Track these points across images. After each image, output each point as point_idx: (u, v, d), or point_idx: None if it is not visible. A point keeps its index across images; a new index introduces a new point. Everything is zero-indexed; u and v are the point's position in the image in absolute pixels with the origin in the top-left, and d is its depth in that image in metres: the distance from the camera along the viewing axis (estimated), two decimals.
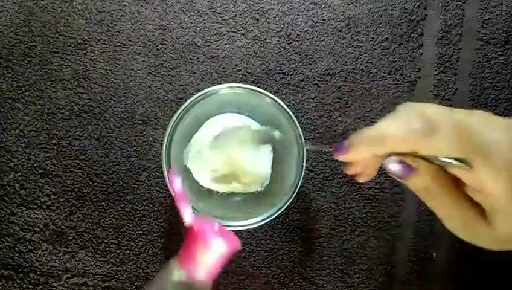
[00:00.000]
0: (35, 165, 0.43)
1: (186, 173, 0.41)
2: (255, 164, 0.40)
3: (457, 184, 0.26)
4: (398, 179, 0.26)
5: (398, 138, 0.24)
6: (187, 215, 0.29)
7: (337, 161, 0.30)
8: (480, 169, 0.23)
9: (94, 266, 0.43)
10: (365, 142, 0.26)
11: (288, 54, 0.44)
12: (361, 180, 0.30)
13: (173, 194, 0.29)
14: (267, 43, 0.44)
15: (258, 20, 0.44)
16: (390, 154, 0.25)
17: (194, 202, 0.37)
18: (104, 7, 0.44)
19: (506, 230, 0.25)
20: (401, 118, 0.25)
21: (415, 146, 0.24)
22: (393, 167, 0.25)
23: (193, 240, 0.29)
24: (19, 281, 0.43)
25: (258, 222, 0.37)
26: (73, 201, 0.43)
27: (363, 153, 0.26)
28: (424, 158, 0.25)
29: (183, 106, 0.36)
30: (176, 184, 0.29)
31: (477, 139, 0.23)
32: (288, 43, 0.44)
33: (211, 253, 0.29)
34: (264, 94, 0.37)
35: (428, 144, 0.24)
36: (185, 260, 0.29)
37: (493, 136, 0.23)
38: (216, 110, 0.41)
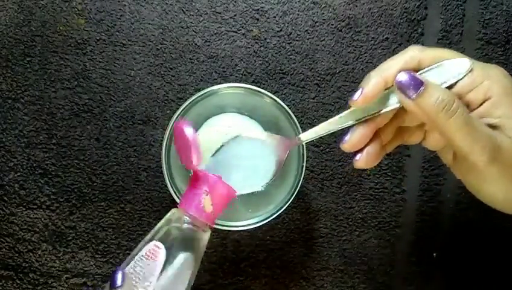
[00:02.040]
0: (34, 165, 0.43)
1: (186, 173, 0.41)
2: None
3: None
4: (407, 99, 0.26)
5: (401, 55, 0.27)
6: (195, 158, 0.30)
7: (342, 149, 0.30)
8: (478, 71, 0.27)
9: (94, 266, 0.43)
10: (373, 72, 0.28)
11: (289, 53, 0.44)
12: (362, 162, 0.30)
13: (187, 138, 0.29)
14: (267, 42, 0.44)
15: (258, 19, 0.44)
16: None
17: None
18: (103, 7, 0.44)
19: None
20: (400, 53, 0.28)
21: (419, 55, 0.27)
22: (403, 77, 0.26)
23: (197, 185, 0.30)
24: (18, 282, 0.43)
25: (258, 222, 0.36)
26: (73, 201, 0.43)
27: (375, 81, 0.27)
28: None
29: (183, 106, 0.36)
30: (188, 130, 0.30)
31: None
32: (288, 43, 0.44)
33: (213, 197, 0.30)
34: (264, 94, 0.37)
35: (430, 51, 0.27)
36: (188, 206, 0.30)
37: None
38: (216, 110, 0.41)
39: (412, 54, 0.27)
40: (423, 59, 0.27)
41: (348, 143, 0.29)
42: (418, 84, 0.25)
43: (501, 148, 0.25)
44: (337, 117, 0.30)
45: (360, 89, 0.28)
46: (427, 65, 0.27)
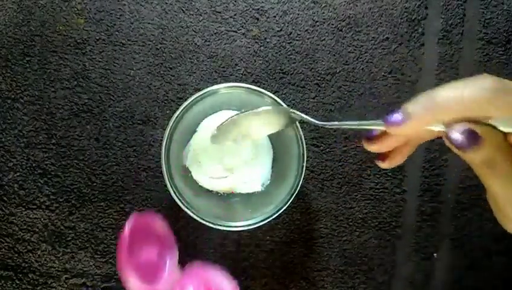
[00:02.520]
0: (34, 165, 0.43)
1: (186, 173, 0.40)
2: (255, 164, 0.40)
3: None
4: (458, 151, 0.22)
5: (467, 97, 0.21)
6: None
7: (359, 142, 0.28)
8: None
9: (93, 266, 0.43)
10: (426, 108, 0.23)
11: (289, 53, 0.44)
12: (386, 164, 0.28)
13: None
14: (267, 42, 0.44)
15: (258, 19, 0.44)
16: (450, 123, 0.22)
17: (194, 203, 0.37)
18: (103, 6, 0.44)
19: None
20: (465, 80, 0.22)
21: (487, 104, 0.21)
22: (457, 136, 0.22)
23: None
24: (18, 282, 0.43)
25: (258, 222, 0.36)
26: (73, 201, 0.43)
27: (423, 121, 0.23)
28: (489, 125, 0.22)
29: (182, 106, 0.36)
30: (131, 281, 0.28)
31: None
32: (288, 43, 0.44)
33: None
34: (264, 94, 0.37)
35: (502, 100, 0.21)
36: None
37: None
38: (216, 110, 0.41)
39: (482, 102, 0.21)
40: (492, 112, 0.22)
41: (377, 146, 0.26)
42: (474, 141, 0.22)
43: None
44: (369, 121, 0.26)
45: (401, 115, 0.23)
46: (493, 114, 0.22)
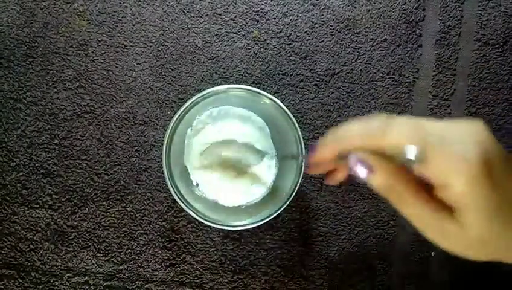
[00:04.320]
0: (37, 165, 0.44)
1: (186, 174, 0.41)
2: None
3: (423, 185, 0.25)
4: (360, 179, 0.26)
5: (356, 134, 0.26)
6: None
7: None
8: (437, 159, 0.23)
9: (95, 265, 0.44)
10: (329, 141, 0.27)
11: (288, 54, 0.45)
12: (327, 181, 0.31)
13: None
14: (267, 44, 0.45)
15: (258, 21, 0.45)
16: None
17: (195, 202, 0.38)
18: (105, 8, 0.44)
19: (476, 229, 0.24)
20: (363, 120, 0.26)
21: (372, 140, 0.25)
22: (353, 163, 0.26)
23: None
24: (20, 280, 0.43)
25: (258, 222, 0.37)
26: (75, 201, 0.44)
27: (329, 151, 0.27)
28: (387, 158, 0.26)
29: (183, 107, 0.37)
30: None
31: (432, 131, 0.24)
32: (287, 44, 0.45)
33: None
34: (264, 95, 0.37)
35: (382, 136, 0.25)
36: None
37: (449, 133, 0.23)
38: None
39: (373, 135, 0.25)
40: (375, 145, 0.25)
41: (314, 156, 0.29)
42: (367, 169, 0.26)
43: (446, 233, 0.26)
44: None
45: (315, 147, 0.28)
46: (388, 149, 0.25)
